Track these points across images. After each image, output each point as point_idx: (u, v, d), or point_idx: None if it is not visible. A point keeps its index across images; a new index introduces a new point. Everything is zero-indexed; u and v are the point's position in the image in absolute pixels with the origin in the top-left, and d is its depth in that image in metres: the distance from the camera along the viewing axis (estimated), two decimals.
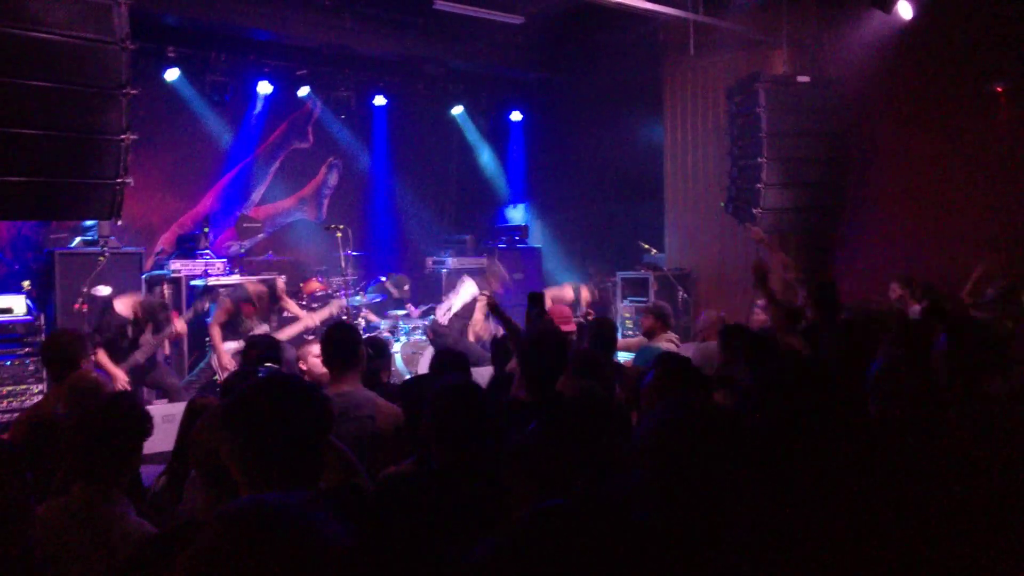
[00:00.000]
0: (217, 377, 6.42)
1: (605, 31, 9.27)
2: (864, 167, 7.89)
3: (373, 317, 8.42)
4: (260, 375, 2.43)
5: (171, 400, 6.19)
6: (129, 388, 6.03)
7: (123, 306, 6.14)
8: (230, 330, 6.52)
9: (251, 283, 6.67)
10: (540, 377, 3.44)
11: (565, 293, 7.63)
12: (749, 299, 7.84)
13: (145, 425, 2.49)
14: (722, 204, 8.29)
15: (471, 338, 7.36)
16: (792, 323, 5.04)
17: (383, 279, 8.91)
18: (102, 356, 5.88)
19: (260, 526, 1.14)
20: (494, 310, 4.65)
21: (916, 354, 3.03)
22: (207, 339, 7.75)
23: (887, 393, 2.44)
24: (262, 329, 6.57)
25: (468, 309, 7.42)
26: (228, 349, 6.44)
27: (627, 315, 9.20)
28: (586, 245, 8.88)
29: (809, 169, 7.76)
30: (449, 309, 7.48)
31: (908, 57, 7.38)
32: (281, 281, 6.82)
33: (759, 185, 7.56)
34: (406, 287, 8.85)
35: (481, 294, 7.21)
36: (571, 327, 5.40)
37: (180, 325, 6.38)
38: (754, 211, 7.63)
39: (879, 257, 7.77)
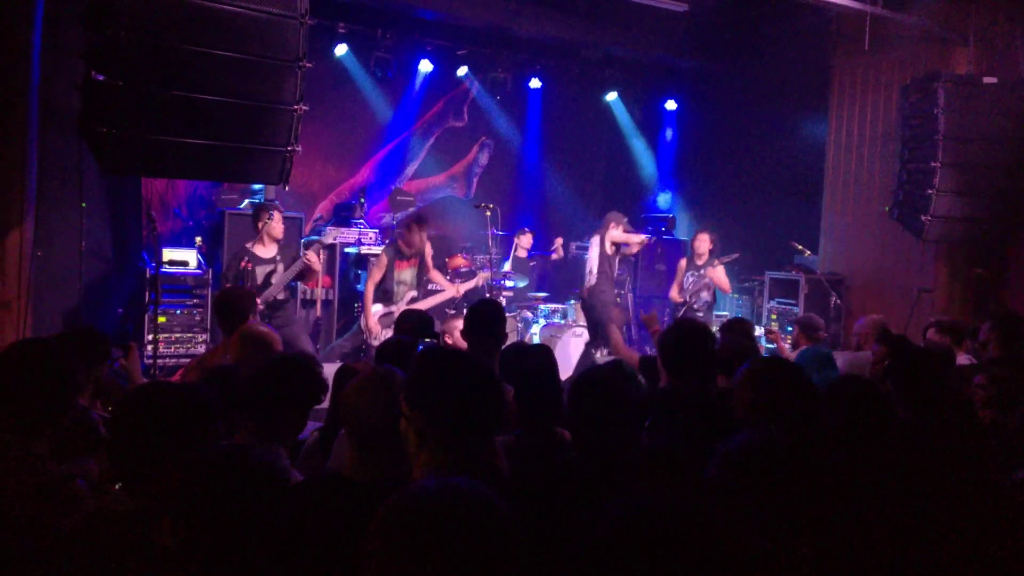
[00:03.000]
0: (365, 337, 6.71)
1: (772, 21, 8.88)
2: None
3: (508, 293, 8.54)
4: (422, 348, 2.50)
5: None
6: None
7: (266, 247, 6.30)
8: (380, 295, 6.81)
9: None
10: (678, 368, 3.33)
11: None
12: (908, 311, 7.37)
13: (319, 393, 2.55)
14: (887, 209, 7.80)
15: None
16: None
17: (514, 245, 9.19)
18: None
19: (462, 509, 1.18)
20: None
21: None
22: (356, 305, 8.12)
23: None
24: (411, 295, 6.81)
25: (606, 259, 7.76)
26: (375, 312, 6.72)
27: (773, 316, 8.88)
28: (735, 241, 8.59)
29: (989, 177, 7.15)
30: (591, 271, 7.79)
31: None
32: (429, 248, 7.04)
33: (930, 191, 7.06)
34: (528, 231, 9.32)
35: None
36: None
37: (313, 256, 6.27)
38: (923, 219, 7.14)
39: None
